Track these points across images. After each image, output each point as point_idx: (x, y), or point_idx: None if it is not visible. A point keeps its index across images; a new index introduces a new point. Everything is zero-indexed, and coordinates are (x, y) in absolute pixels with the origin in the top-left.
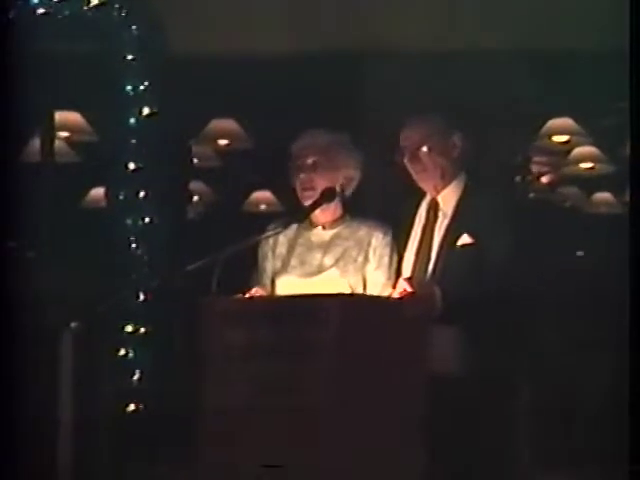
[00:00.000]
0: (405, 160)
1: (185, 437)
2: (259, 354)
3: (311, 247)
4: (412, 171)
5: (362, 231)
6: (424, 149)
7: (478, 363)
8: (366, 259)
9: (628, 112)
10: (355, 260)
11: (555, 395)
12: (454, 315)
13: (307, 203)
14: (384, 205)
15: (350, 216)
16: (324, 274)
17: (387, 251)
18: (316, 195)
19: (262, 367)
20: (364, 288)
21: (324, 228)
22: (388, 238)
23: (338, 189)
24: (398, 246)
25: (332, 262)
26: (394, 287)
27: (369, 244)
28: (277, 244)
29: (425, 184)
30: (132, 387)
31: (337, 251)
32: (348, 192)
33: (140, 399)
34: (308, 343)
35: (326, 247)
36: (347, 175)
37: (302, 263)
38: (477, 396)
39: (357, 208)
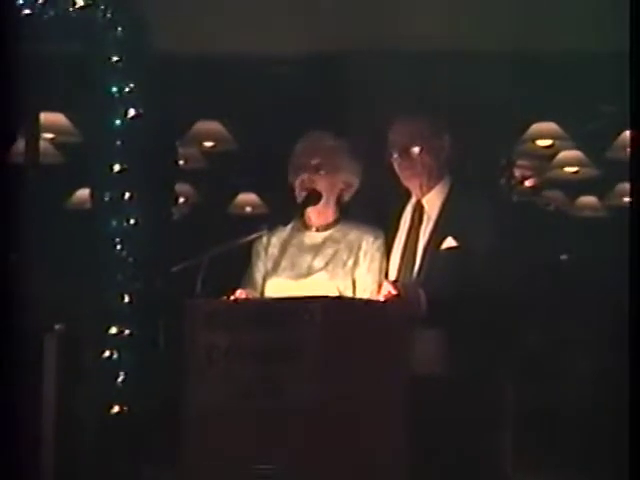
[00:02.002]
0: (393, 158)
1: (169, 439)
2: (243, 356)
3: (303, 249)
4: (399, 169)
5: (353, 234)
6: (415, 148)
7: (463, 365)
8: (356, 262)
9: (612, 116)
10: (345, 263)
11: (540, 395)
12: (439, 318)
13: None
14: (369, 208)
15: (345, 219)
16: (312, 277)
17: (378, 255)
18: None
19: (246, 369)
20: (353, 291)
21: (317, 230)
22: (379, 242)
23: (336, 193)
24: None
25: (322, 265)
26: (379, 290)
27: (359, 247)
28: (270, 245)
29: (411, 184)
30: (116, 389)
31: (327, 254)
32: (346, 197)
33: (124, 401)
34: (292, 345)
35: (317, 250)
36: (347, 180)
37: (293, 265)
38: (463, 398)
39: (344, 211)
